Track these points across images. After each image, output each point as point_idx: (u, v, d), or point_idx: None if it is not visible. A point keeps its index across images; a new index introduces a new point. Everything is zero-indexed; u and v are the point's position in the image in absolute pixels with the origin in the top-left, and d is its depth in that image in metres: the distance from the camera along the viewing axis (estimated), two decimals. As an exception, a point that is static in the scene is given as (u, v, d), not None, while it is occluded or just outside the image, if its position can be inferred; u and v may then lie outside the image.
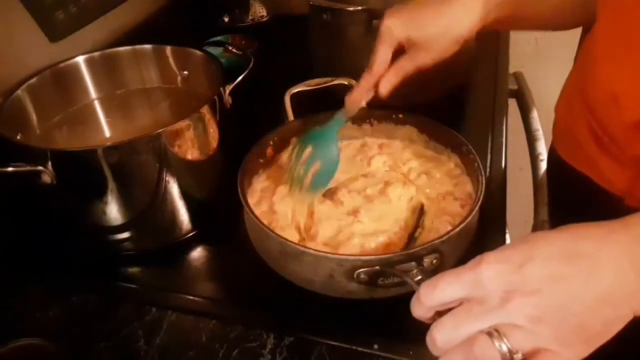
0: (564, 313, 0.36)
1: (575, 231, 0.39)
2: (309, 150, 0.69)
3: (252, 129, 0.75)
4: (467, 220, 0.58)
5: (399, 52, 0.64)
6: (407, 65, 0.64)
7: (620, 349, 0.41)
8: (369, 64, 0.64)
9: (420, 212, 0.66)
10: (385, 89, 0.64)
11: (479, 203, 0.60)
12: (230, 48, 1.00)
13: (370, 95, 0.66)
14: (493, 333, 0.36)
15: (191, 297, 0.65)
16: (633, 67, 0.56)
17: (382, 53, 0.63)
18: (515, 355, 0.35)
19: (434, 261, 0.55)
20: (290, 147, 0.74)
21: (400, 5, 0.65)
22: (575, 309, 0.36)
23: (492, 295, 0.37)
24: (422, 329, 0.41)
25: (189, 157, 0.67)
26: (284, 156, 0.75)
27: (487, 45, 1.11)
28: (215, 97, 0.69)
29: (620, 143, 0.60)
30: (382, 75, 0.64)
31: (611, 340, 0.37)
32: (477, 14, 0.63)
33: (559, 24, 0.74)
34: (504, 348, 0.35)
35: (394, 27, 0.62)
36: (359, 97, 0.66)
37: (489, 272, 0.37)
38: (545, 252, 0.37)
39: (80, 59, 0.79)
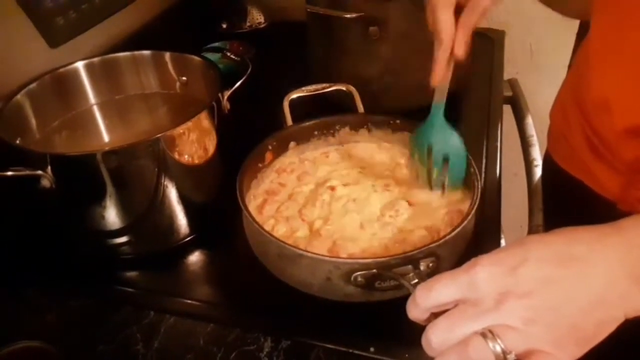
0: (557, 315, 0.37)
1: (568, 234, 0.39)
2: (428, 148, 0.67)
3: (250, 134, 0.75)
4: (463, 224, 0.59)
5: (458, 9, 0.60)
6: (472, 17, 0.59)
7: (612, 350, 0.41)
8: (436, 37, 0.60)
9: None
10: (461, 51, 0.60)
11: (475, 207, 0.61)
12: (228, 54, 1.00)
13: (452, 67, 0.62)
14: (487, 334, 0.36)
15: (189, 301, 0.65)
16: (624, 74, 0.57)
17: (445, 20, 0.59)
18: (508, 356, 0.36)
19: (430, 264, 0.56)
20: (408, 154, 0.72)
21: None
22: (569, 311, 0.37)
23: (487, 297, 0.37)
24: (417, 331, 0.41)
25: (188, 162, 0.68)
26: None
27: (482, 52, 1.13)
28: (214, 103, 0.70)
29: (613, 149, 0.61)
30: (454, 39, 0.60)
31: (604, 342, 0.37)
32: None
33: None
34: (498, 349, 0.36)
35: None
36: (443, 73, 0.62)
37: (483, 274, 0.38)
38: (539, 254, 0.38)
39: (80, 65, 0.80)
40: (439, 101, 0.65)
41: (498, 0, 0.59)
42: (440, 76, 0.62)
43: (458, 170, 0.67)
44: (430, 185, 0.69)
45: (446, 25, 0.59)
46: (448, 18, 0.59)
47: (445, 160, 0.66)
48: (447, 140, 0.66)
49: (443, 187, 0.68)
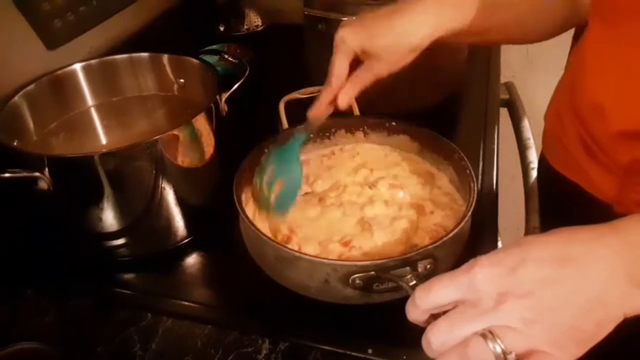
0: (557, 315, 0.37)
1: (566, 234, 0.39)
2: (270, 169, 0.68)
3: (247, 137, 0.75)
4: (460, 226, 0.59)
5: (358, 62, 0.63)
6: (364, 76, 0.63)
7: (611, 350, 0.42)
8: (327, 78, 0.63)
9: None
10: (343, 101, 0.64)
11: (471, 210, 0.61)
12: (226, 57, 1.00)
13: (331, 109, 0.65)
14: (487, 335, 0.37)
15: (187, 303, 0.65)
16: (618, 77, 0.57)
17: (339, 65, 0.62)
18: (508, 356, 0.36)
19: (428, 266, 0.56)
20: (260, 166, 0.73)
21: (356, 17, 0.64)
22: (568, 311, 0.37)
23: (486, 298, 0.38)
24: (415, 333, 0.41)
25: (185, 164, 0.68)
26: None
27: (479, 55, 1.13)
28: (212, 105, 0.70)
29: (608, 151, 0.61)
30: (341, 88, 0.63)
31: (603, 341, 0.37)
32: (431, 23, 0.61)
33: (522, 36, 0.74)
34: (498, 349, 0.36)
35: (347, 39, 0.61)
36: (320, 111, 0.65)
37: (482, 275, 0.38)
38: (538, 255, 0.38)
39: (78, 67, 0.80)
40: (303, 133, 0.69)
41: (395, 69, 0.63)
42: (316, 112, 0.66)
43: (287, 198, 0.67)
44: (256, 201, 0.69)
45: (338, 72, 0.62)
46: (341, 66, 0.62)
47: (280, 182, 0.67)
48: (292, 170, 0.68)
49: (267, 207, 0.68)
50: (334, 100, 0.64)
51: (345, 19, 0.86)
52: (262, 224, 0.67)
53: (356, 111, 0.79)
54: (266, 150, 0.72)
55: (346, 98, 0.64)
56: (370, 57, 0.62)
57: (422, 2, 0.62)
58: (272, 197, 0.67)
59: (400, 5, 0.62)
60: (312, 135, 0.78)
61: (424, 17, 0.61)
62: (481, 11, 0.63)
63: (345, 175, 0.75)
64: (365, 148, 0.79)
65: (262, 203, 0.68)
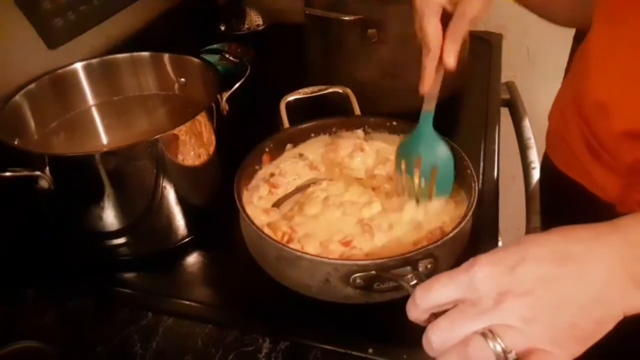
0: (557, 313, 0.37)
1: (566, 233, 0.39)
2: (416, 159, 0.66)
3: (248, 136, 0.75)
4: (461, 226, 0.59)
5: (446, 18, 0.60)
6: (460, 25, 0.58)
7: (611, 348, 0.42)
8: (424, 44, 0.60)
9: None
10: (451, 60, 0.59)
11: (472, 209, 0.61)
12: (227, 56, 1.00)
13: (441, 74, 0.62)
14: (487, 334, 0.37)
15: (187, 302, 0.65)
16: (622, 77, 0.57)
17: (432, 26, 0.59)
18: (509, 355, 0.36)
19: (429, 266, 0.56)
20: (395, 163, 0.70)
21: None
22: (568, 310, 0.37)
23: (486, 297, 0.38)
24: (416, 333, 0.41)
25: (186, 163, 0.68)
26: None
27: (480, 55, 1.13)
28: (212, 104, 0.70)
29: (612, 151, 0.61)
30: (442, 48, 0.59)
31: (603, 340, 0.37)
32: None
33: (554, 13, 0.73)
34: (498, 348, 0.36)
35: None
36: (431, 81, 0.62)
37: (482, 273, 0.38)
38: (537, 253, 0.38)
39: (79, 66, 0.80)
40: (428, 110, 0.65)
41: (485, 11, 0.59)
42: (429, 84, 0.62)
43: (446, 179, 0.66)
44: (417, 198, 0.67)
45: (433, 33, 0.59)
46: (434, 26, 0.59)
47: (434, 170, 0.66)
48: (436, 151, 0.66)
49: (430, 197, 0.67)
50: (440, 65, 0.61)
51: (346, 18, 0.86)
52: (253, 213, 0.67)
53: (357, 110, 0.79)
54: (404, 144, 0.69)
55: (452, 56, 0.59)
56: (459, 3, 0.58)
57: None
58: (432, 186, 0.66)
59: None
60: (312, 135, 0.78)
61: None
62: None
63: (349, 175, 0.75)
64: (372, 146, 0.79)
65: (421, 196, 0.67)
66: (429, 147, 0.66)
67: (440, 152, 0.66)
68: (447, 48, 0.59)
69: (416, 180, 0.67)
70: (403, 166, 0.68)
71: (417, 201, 0.67)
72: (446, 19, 0.59)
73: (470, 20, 0.58)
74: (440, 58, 0.60)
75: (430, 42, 0.59)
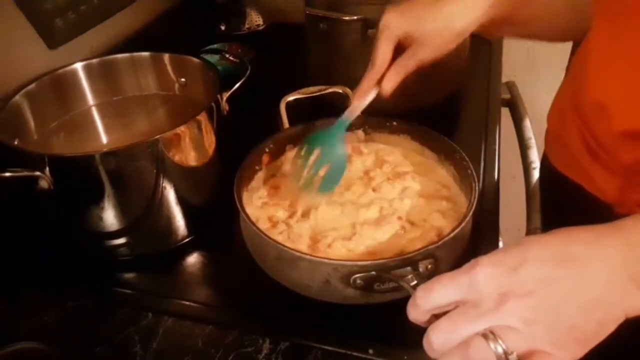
0: (558, 314, 0.37)
1: (567, 234, 0.39)
2: (317, 152, 0.69)
3: (248, 136, 0.75)
4: (462, 226, 0.59)
5: (401, 50, 0.64)
6: (408, 63, 0.63)
7: (613, 350, 0.41)
8: (371, 61, 0.64)
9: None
10: (387, 86, 0.64)
11: (473, 209, 0.61)
12: (227, 56, 1.00)
13: (374, 93, 0.66)
14: (488, 335, 0.37)
15: (187, 303, 0.65)
16: (620, 78, 0.57)
17: (383, 49, 0.63)
18: (510, 357, 0.36)
19: (429, 266, 0.56)
20: (297, 148, 0.75)
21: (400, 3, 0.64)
22: (569, 311, 0.37)
23: (487, 298, 0.38)
24: (416, 333, 0.41)
25: (186, 163, 0.68)
26: (287, 163, 0.76)
27: (481, 55, 1.13)
28: (213, 104, 0.70)
29: (611, 152, 0.61)
30: (384, 74, 0.64)
31: (604, 341, 0.37)
32: (479, 8, 0.62)
33: (552, 33, 0.74)
34: (499, 350, 0.36)
35: (393, 23, 0.62)
36: (363, 95, 0.66)
37: (483, 274, 0.38)
38: (538, 254, 0.38)
39: (79, 66, 0.80)
40: (348, 117, 0.69)
41: (435, 58, 0.63)
42: (360, 97, 0.66)
43: (333, 180, 0.69)
44: (299, 181, 0.70)
45: (382, 56, 0.63)
46: (385, 50, 0.63)
47: (326, 166, 0.69)
48: (337, 152, 0.69)
49: (310, 188, 0.69)
50: (377, 84, 0.65)
51: (347, 18, 0.86)
52: (253, 213, 0.67)
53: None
54: (304, 134, 0.74)
55: (390, 84, 0.64)
56: (414, 43, 0.62)
57: None
58: (318, 180, 0.68)
59: None
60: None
61: (471, 3, 0.62)
62: (523, 1, 0.64)
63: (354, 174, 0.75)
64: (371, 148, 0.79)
65: (305, 183, 0.69)
66: (333, 146, 0.69)
67: (339, 155, 0.69)
68: (388, 75, 0.64)
69: (307, 168, 0.70)
70: (302, 151, 0.71)
71: (299, 186, 0.70)
72: (401, 50, 0.63)
73: (418, 62, 0.63)
74: (380, 80, 0.64)
75: (376, 62, 0.63)
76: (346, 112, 0.69)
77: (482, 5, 0.62)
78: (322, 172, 0.69)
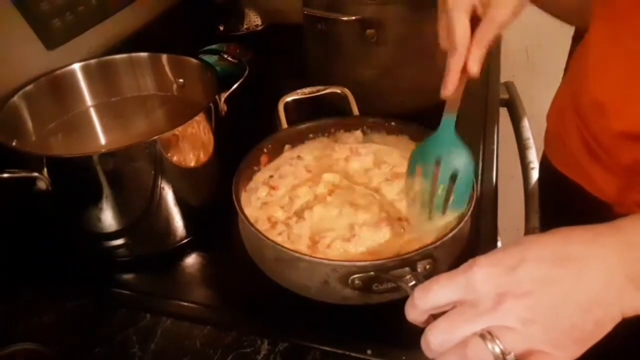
0: (556, 314, 0.37)
1: (565, 234, 0.39)
2: (434, 165, 0.61)
3: (246, 137, 0.75)
4: (460, 227, 0.59)
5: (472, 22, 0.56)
6: (488, 31, 0.55)
7: (610, 350, 0.41)
8: (450, 42, 0.56)
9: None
10: (475, 67, 0.56)
11: (471, 209, 0.61)
12: (225, 56, 1.00)
13: (465, 80, 0.58)
14: (486, 335, 0.37)
15: (186, 303, 0.65)
16: (620, 78, 0.57)
17: (461, 25, 0.54)
18: (507, 357, 0.36)
19: (427, 266, 0.56)
20: (408, 169, 0.65)
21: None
22: (567, 311, 0.37)
23: (485, 298, 0.38)
24: (414, 334, 0.41)
25: (185, 164, 0.68)
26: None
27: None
28: (211, 105, 0.70)
29: (611, 152, 0.61)
30: (469, 52, 0.56)
31: (602, 341, 0.37)
32: None
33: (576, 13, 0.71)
34: (497, 350, 0.36)
35: None
36: (454, 83, 0.57)
37: (481, 275, 0.38)
38: (537, 254, 0.38)
39: (77, 67, 0.80)
40: (450, 114, 0.60)
41: (515, 17, 0.55)
42: (453, 87, 0.57)
43: (464, 189, 0.61)
44: (429, 206, 0.62)
45: (461, 31, 0.55)
46: (464, 24, 0.55)
47: (453, 177, 0.60)
48: (458, 156, 0.60)
49: (444, 208, 0.61)
50: (464, 69, 0.56)
51: (345, 18, 0.86)
52: (251, 214, 0.67)
53: (355, 111, 0.79)
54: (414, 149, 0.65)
55: (477, 62, 0.56)
56: (490, 5, 0.55)
57: None
58: (451, 196, 0.61)
59: None
60: (310, 136, 0.78)
61: None
62: None
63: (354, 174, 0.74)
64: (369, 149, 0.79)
65: (436, 209, 0.61)
66: (451, 152, 0.60)
67: (462, 159, 0.60)
68: (473, 52, 0.55)
69: (434, 187, 0.61)
70: (418, 170, 0.63)
71: (430, 213, 0.62)
72: (473, 23, 0.56)
73: (500, 25, 0.55)
74: (465, 61, 0.56)
75: (458, 41, 0.55)
76: (446, 108, 0.61)
77: None
78: (451, 188, 0.60)
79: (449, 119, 0.61)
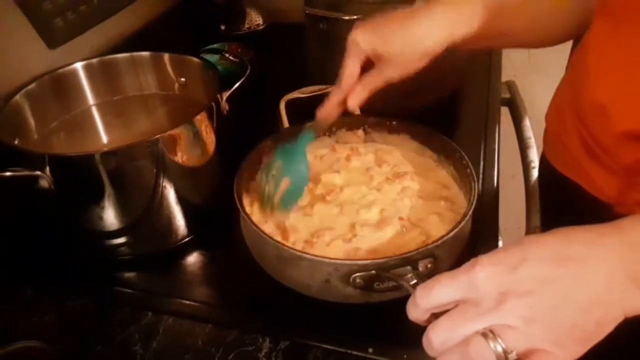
0: (557, 314, 0.37)
1: (566, 234, 0.39)
2: (276, 167, 0.68)
3: (248, 136, 0.75)
4: (461, 225, 0.59)
5: (368, 66, 0.63)
6: (374, 80, 0.62)
7: (612, 349, 0.42)
8: (338, 78, 0.63)
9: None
10: (354, 102, 0.63)
11: (472, 209, 0.61)
12: (227, 55, 1.00)
13: (341, 109, 0.65)
14: (488, 334, 0.37)
15: (187, 302, 0.65)
16: (620, 77, 0.57)
17: (350, 67, 0.62)
18: (509, 356, 0.36)
19: (429, 265, 0.56)
20: (264, 161, 0.73)
21: (369, 19, 0.63)
22: (568, 310, 0.37)
23: (487, 297, 0.38)
24: (416, 332, 0.41)
25: (186, 163, 0.68)
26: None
27: (480, 54, 1.13)
28: (212, 104, 0.70)
29: (611, 152, 0.61)
30: (351, 89, 0.63)
31: (603, 341, 0.37)
32: (446, 28, 0.60)
33: (533, 40, 0.73)
34: (499, 349, 0.36)
35: (361, 40, 0.60)
36: (329, 111, 0.65)
37: (483, 274, 0.38)
38: (538, 254, 0.38)
39: (79, 66, 0.80)
40: (312, 134, 0.69)
41: (403, 77, 0.62)
42: (326, 112, 0.65)
43: (292, 196, 0.68)
44: (260, 198, 0.69)
45: (349, 73, 0.62)
46: (352, 67, 0.62)
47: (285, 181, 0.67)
48: (297, 167, 0.68)
49: (271, 205, 0.68)
50: (343, 101, 0.64)
51: (346, 17, 0.86)
52: (260, 220, 0.67)
53: (356, 110, 0.79)
54: (272, 148, 0.72)
55: (356, 100, 0.63)
56: (381, 61, 0.61)
57: (438, 7, 0.61)
58: (278, 196, 0.67)
59: (416, 9, 0.61)
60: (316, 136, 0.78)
61: (440, 22, 0.60)
62: (493, 16, 0.62)
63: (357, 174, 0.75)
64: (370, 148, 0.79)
65: (266, 200, 0.68)
66: (294, 161, 0.68)
67: (299, 170, 0.68)
68: (355, 91, 0.63)
69: (267, 184, 0.68)
70: (267, 166, 0.70)
71: (261, 204, 0.69)
72: (368, 67, 0.62)
73: (385, 80, 0.62)
74: (346, 96, 0.63)
75: (343, 79, 0.62)
76: (309, 126, 0.69)
77: (449, 27, 0.60)
78: (282, 188, 0.67)
79: (307, 136, 0.69)
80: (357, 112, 0.76)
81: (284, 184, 0.67)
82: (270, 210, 0.68)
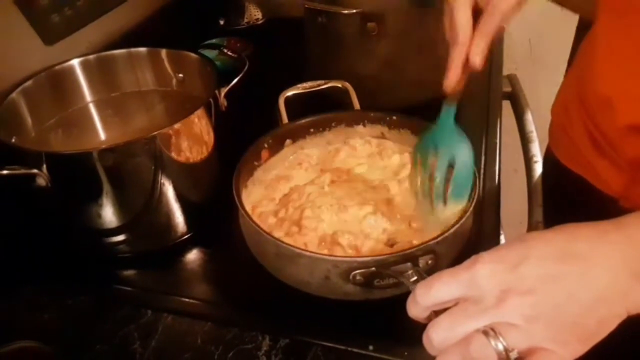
0: (559, 312, 0.36)
1: (570, 231, 0.39)
2: (432, 157, 0.60)
3: (247, 132, 0.75)
4: (462, 221, 0.58)
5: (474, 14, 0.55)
6: (492, 20, 0.53)
7: (614, 347, 0.41)
8: (452, 33, 0.55)
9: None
10: (478, 59, 0.54)
11: (473, 204, 0.60)
12: (225, 51, 1.00)
13: (467, 73, 0.57)
14: (489, 332, 0.36)
15: (187, 300, 0.65)
16: (627, 71, 0.57)
17: (462, 15, 0.54)
18: (510, 354, 0.36)
19: (429, 262, 0.55)
20: (411, 162, 0.66)
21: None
22: (571, 308, 0.36)
23: (488, 295, 0.37)
24: (416, 330, 0.41)
25: (184, 159, 0.68)
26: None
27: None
28: (211, 100, 0.69)
29: (616, 146, 0.61)
30: (472, 43, 0.54)
31: (606, 339, 0.37)
32: None
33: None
34: (500, 347, 0.36)
35: None
36: (457, 76, 0.56)
37: (484, 271, 0.38)
38: (540, 251, 0.38)
39: (76, 62, 0.79)
40: (450, 104, 0.60)
41: (519, 7, 0.54)
42: (455, 78, 0.57)
43: (463, 179, 0.60)
44: (430, 197, 0.61)
45: (463, 23, 0.54)
46: (466, 16, 0.54)
47: (451, 167, 0.59)
48: (455, 145, 0.59)
49: (445, 199, 0.60)
50: (466, 61, 0.55)
51: (346, 11, 0.86)
52: (263, 221, 0.67)
53: (356, 105, 0.79)
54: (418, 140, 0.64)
55: (480, 53, 0.54)
56: None
57: None
58: (448, 187, 0.60)
59: None
60: (311, 130, 0.77)
61: None
62: None
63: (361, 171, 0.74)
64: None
65: (436, 197, 0.60)
66: (448, 141, 0.60)
67: (460, 148, 0.59)
68: (475, 43, 0.54)
69: (432, 178, 0.61)
70: (420, 162, 0.62)
71: (431, 204, 0.61)
72: (477, 15, 0.55)
73: (503, 15, 0.54)
74: (467, 53, 0.55)
75: (459, 33, 0.54)
76: (447, 100, 0.60)
77: None
78: (449, 180, 0.59)
79: (448, 109, 0.60)
80: (353, 103, 0.74)
81: (449, 173, 0.59)
82: (442, 206, 0.60)
